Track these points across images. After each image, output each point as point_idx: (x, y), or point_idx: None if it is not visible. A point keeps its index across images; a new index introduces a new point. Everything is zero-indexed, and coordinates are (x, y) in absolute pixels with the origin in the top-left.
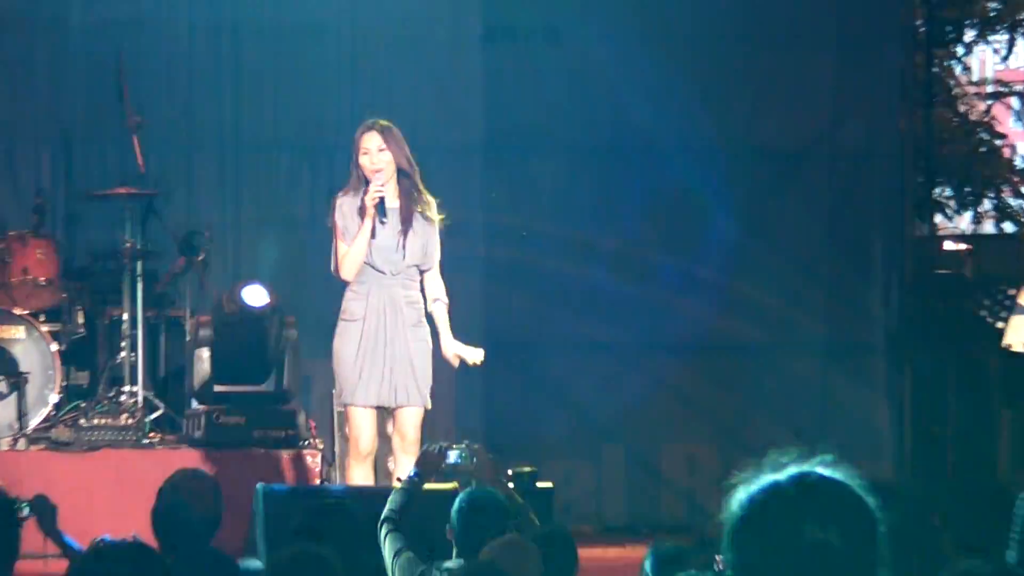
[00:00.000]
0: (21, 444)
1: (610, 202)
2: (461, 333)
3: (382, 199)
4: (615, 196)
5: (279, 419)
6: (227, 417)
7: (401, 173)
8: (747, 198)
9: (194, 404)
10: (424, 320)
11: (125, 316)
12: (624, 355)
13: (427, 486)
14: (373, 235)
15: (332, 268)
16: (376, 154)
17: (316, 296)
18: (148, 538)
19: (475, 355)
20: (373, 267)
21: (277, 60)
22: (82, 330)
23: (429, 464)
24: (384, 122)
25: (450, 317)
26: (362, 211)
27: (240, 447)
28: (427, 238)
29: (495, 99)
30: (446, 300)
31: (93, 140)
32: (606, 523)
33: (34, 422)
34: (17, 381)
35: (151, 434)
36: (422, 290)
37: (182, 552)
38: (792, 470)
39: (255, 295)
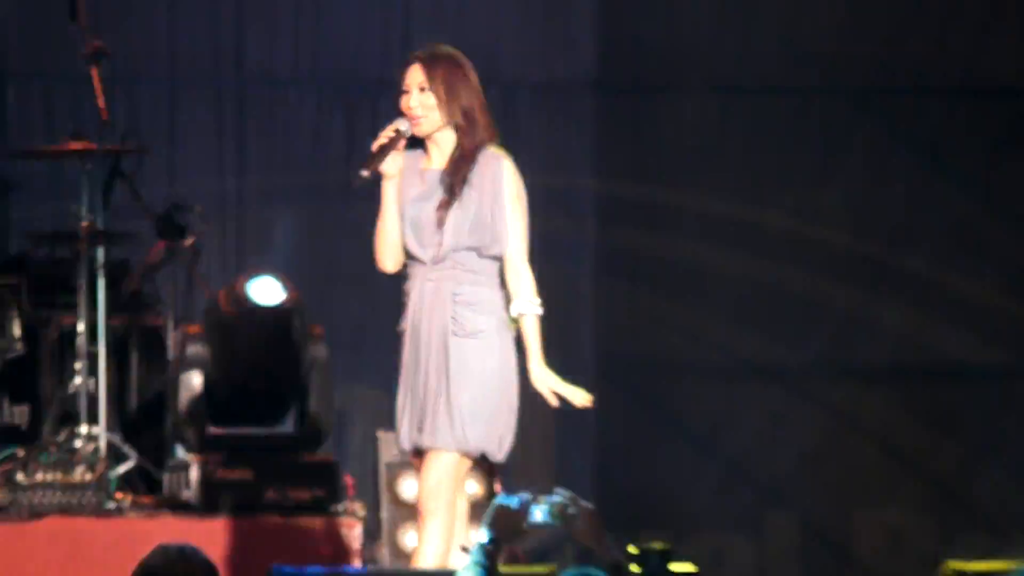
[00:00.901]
0: None
1: (775, 164)
2: (561, 349)
3: (382, 147)
4: (782, 155)
5: (302, 474)
6: (228, 470)
7: (456, 127)
8: (973, 159)
9: (180, 452)
10: (494, 329)
11: (81, 326)
12: (796, 383)
13: (508, 570)
14: (407, 207)
15: None
16: (416, 95)
17: (352, 297)
18: None
19: (577, 396)
20: (410, 254)
21: None
22: (19, 346)
23: (507, 524)
24: (440, 49)
25: (544, 328)
26: (409, 171)
27: (247, 513)
28: (482, 210)
29: (614, 18)
30: (536, 303)
31: (34, 76)
32: None
33: None
34: None
35: (118, 495)
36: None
37: None
38: None
39: (266, 292)
